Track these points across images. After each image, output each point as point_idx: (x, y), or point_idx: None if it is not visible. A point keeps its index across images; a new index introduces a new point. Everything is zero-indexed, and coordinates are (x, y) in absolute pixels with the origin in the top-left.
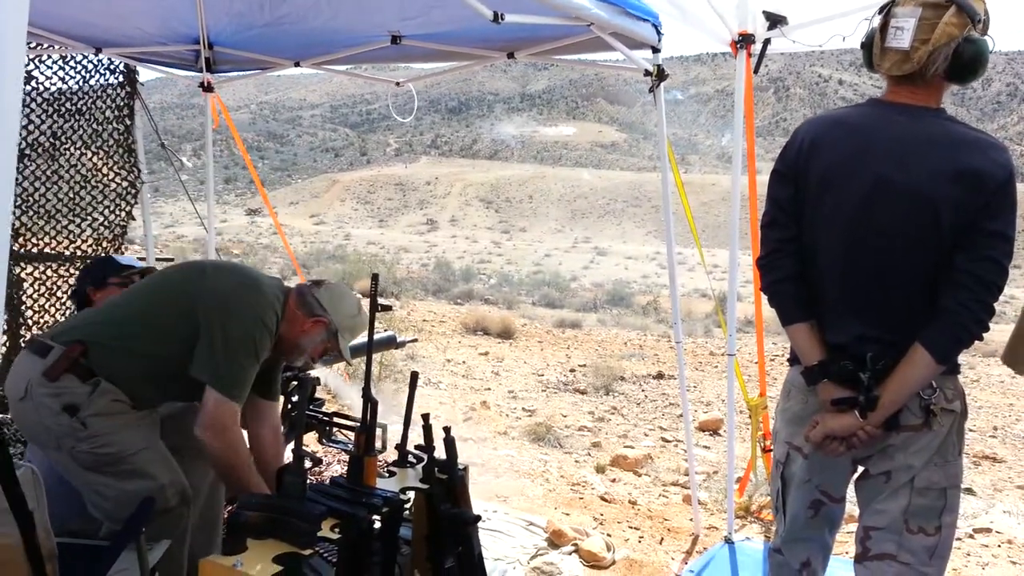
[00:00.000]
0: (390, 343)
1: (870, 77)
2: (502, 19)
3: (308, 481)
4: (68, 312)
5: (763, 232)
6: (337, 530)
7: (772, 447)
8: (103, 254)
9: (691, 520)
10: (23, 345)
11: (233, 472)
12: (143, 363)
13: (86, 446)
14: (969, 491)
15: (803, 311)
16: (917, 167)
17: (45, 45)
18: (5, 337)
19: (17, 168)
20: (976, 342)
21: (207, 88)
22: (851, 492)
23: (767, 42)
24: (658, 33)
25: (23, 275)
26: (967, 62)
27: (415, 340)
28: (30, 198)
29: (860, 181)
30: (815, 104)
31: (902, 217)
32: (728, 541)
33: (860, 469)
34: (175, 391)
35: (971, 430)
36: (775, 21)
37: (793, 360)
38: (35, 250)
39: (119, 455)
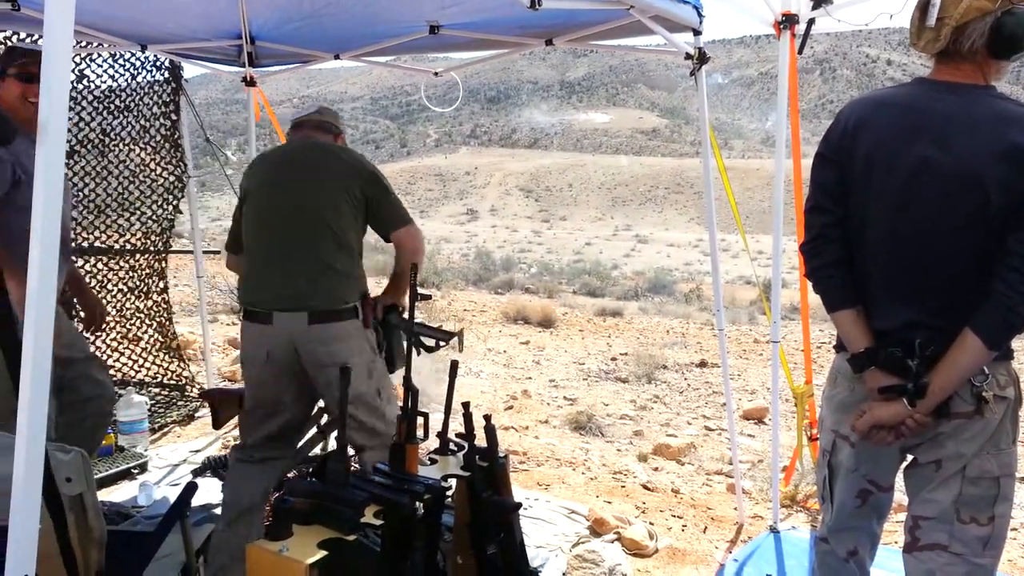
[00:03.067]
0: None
1: (919, 57)
2: (539, 5)
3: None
4: (119, 304)
5: (807, 217)
6: (380, 516)
7: (818, 435)
8: (151, 247)
9: (735, 509)
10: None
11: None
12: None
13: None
14: None
15: (849, 297)
16: (963, 146)
17: (95, 44)
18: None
19: (68, 164)
20: None
21: (250, 83)
22: (899, 480)
23: (811, 22)
24: (699, 15)
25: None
26: (1008, 36)
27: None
28: (80, 193)
29: (905, 162)
30: (862, 85)
31: (948, 198)
32: (773, 530)
33: (909, 458)
34: None
35: None
36: (819, 0)
37: (839, 347)
38: (85, 244)
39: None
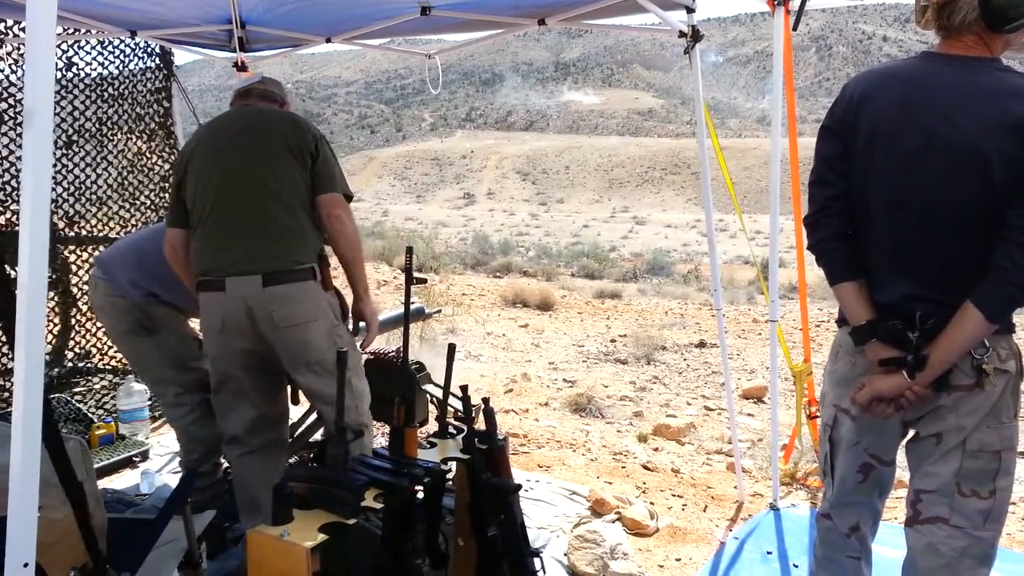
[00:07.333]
0: (419, 315)
1: (916, 32)
2: None
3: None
4: None
5: (811, 190)
6: (380, 500)
7: (819, 412)
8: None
9: (735, 488)
10: (71, 322)
11: (358, 255)
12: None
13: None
14: None
15: (850, 269)
16: (967, 120)
17: (83, 31)
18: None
19: (67, 155)
20: None
21: (241, 68)
22: (901, 456)
23: None
24: None
25: (79, 261)
26: (998, 8)
27: (439, 311)
28: (82, 185)
29: (908, 136)
30: (859, 63)
31: (951, 172)
32: (774, 508)
33: (911, 433)
34: None
35: None
36: None
37: (842, 321)
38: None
39: None
